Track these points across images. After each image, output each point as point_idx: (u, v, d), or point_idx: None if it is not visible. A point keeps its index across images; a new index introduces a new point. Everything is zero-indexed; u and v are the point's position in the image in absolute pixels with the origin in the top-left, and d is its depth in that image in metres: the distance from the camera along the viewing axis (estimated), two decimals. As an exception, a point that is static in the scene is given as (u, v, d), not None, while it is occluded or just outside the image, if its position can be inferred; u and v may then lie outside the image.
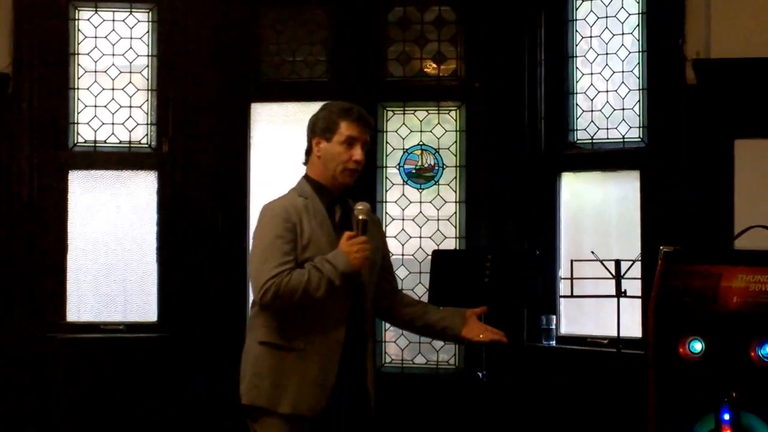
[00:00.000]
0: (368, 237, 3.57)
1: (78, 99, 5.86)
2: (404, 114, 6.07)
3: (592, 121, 5.67)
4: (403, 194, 6.03)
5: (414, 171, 6.12)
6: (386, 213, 6.35)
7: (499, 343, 4.06)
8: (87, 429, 5.84)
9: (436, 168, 6.10)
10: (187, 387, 5.66)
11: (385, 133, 5.98)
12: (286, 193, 3.86)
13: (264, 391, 3.64)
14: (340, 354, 3.65)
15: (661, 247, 3.12)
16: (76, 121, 5.89)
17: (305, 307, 3.63)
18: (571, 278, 5.41)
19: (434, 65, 6.04)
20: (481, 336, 4.04)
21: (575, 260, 5.43)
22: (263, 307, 3.66)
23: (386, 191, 6.06)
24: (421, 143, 6.09)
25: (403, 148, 6.02)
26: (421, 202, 6.10)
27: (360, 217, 3.54)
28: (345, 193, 3.84)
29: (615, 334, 5.15)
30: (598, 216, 5.88)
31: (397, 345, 6.26)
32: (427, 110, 6.07)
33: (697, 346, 2.96)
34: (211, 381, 5.09)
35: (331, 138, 3.68)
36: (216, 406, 4.99)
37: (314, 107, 4.26)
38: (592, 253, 5.33)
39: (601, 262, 5.19)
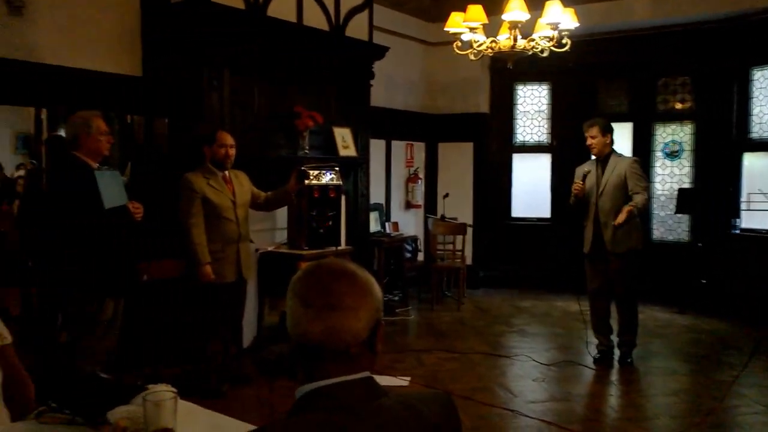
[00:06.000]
0: None
1: (516, 121, 7.60)
2: (664, 127, 7.05)
3: None
4: (663, 163, 7.08)
5: (668, 152, 6.96)
6: (655, 173, 7.06)
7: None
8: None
9: (679, 151, 6.93)
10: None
11: (654, 136, 7.02)
12: None
13: None
14: None
15: None
16: (515, 132, 7.68)
17: None
18: (749, 202, 6.07)
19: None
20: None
21: (750, 193, 6.03)
22: None
23: (655, 162, 7.11)
24: (672, 140, 6.94)
25: (664, 142, 7.02)
26: (672, 167, 7.03)
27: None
28: None
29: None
30: None
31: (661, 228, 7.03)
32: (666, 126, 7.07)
33: None
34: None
35: None
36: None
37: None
38: (759, 190, 5.89)
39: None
